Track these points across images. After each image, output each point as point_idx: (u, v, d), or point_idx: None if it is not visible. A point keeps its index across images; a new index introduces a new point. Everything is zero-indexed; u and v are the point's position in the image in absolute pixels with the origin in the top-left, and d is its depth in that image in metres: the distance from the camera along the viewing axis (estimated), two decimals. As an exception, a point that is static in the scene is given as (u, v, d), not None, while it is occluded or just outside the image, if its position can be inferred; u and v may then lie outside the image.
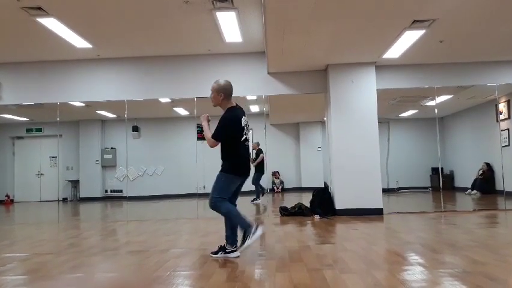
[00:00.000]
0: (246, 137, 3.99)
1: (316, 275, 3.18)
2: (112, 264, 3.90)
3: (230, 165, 3.92)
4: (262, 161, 10.06)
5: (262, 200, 10.13)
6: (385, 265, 3.46)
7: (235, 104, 4.04)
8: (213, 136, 3.87)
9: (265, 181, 10.35)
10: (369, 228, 5.63)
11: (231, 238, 3.96)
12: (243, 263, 3.69)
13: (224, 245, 3.98)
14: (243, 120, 3.96)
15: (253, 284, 3.02)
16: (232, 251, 3.93)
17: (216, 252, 3.97)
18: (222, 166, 3.96)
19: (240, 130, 3.93)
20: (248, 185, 10.50)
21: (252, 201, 10.01)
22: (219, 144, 3.92)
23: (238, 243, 3.93)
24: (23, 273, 3.59)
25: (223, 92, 3.97)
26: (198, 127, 8.57)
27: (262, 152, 10.18)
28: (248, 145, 4.07)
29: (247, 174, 4.06)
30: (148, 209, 9.99)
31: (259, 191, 10.15)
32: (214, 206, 3.88)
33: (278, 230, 5.74)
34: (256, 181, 10.06)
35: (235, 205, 4.08)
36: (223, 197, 3.88)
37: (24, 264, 3.96)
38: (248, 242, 3.80)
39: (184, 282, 3.17)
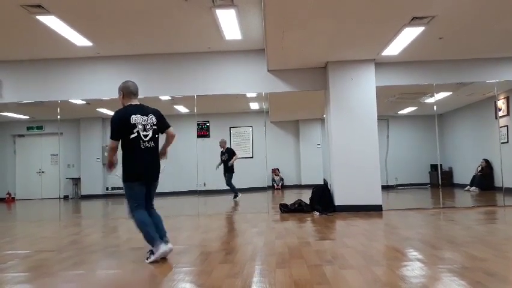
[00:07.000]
0: (138, 135, 3.80)
1: (316, 271, 3.20)
2: (113, 261, 3.92)
3: (125, 174, 3.82)
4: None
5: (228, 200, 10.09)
6: (384, 261, 3.49)
7: (135, 103, 4.02)
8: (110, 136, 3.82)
9: (265, 178, 10.35)
10: (369, 224, 5.66)
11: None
12: (243, 260, 3.72)
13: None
14: (137, 118, 3.85)
15: (254, 280, 3.05)
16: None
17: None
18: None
19: (128, 127, 3.79)
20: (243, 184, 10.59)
21: (234, 198, 10.09)
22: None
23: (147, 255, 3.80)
24: (25, 270, 3.61)
25: (122, 90, 4.06)
26: (198, 125, 8.59)
27: (235, 153, 10.29)
28: (150, 146, 3.88)
29: (151, 177, 3.92)
30: (148, 206, 10.00)
31: (235, 189, 10.20)
32: (130, 215, 3.86)
33: (278, 226, 5.77)
34: (228, 181, 10.16)
35: (153, 208, 4.02)
36: (136, 203, 3.81)
37: (25, 261, 3.99)
38: (152, 258, 3.70)
39: (184, 278, 3.20)
